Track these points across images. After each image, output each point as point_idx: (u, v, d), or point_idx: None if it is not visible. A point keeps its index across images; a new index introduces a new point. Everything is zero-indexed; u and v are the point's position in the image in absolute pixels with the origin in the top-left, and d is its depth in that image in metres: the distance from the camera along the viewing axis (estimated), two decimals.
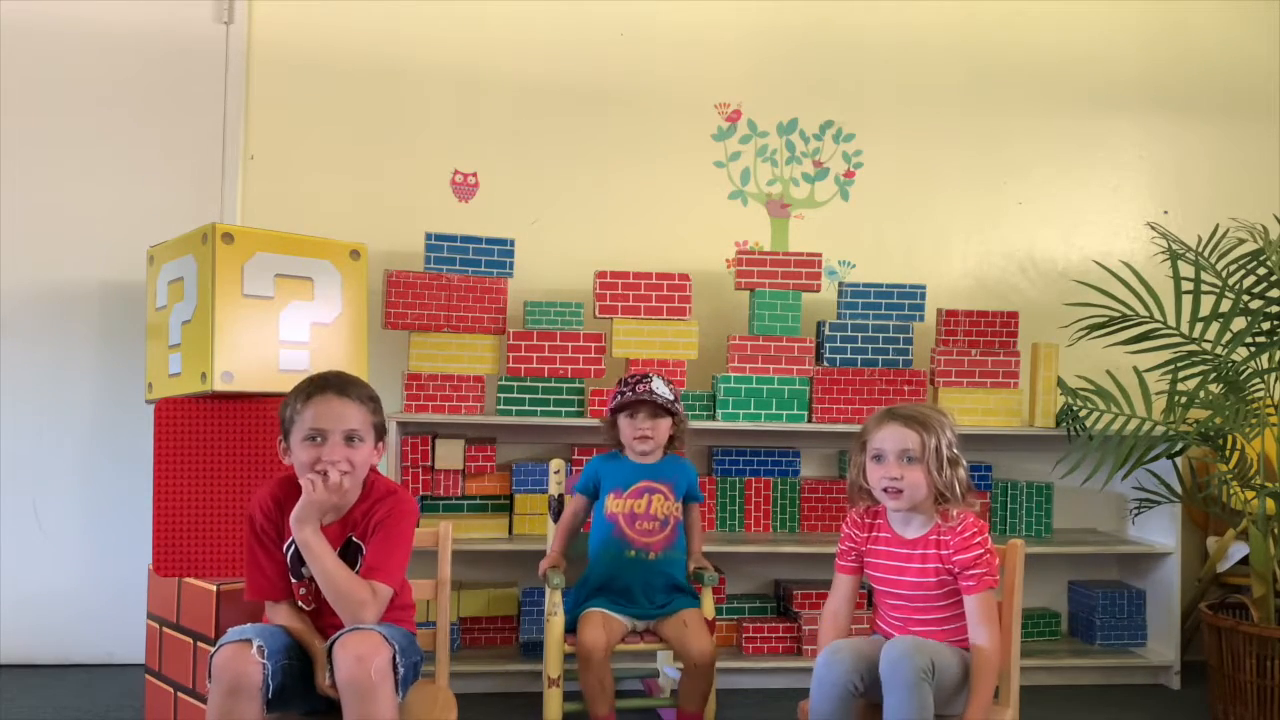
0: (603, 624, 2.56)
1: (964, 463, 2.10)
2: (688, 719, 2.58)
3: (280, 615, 2.02)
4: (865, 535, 2.16)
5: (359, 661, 1.79)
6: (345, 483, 1.95)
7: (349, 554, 2.01)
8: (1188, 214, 3.69)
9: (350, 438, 1.96)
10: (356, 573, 1.98)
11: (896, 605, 2.11)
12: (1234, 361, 2.98)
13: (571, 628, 2.63)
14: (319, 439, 1.94)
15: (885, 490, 2.07)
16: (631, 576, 2.66)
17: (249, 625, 1.90)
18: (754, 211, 3.56)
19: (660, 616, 2.65)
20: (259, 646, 1.81)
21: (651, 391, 2.64)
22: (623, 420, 2.69)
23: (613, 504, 2.70)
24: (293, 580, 2.03)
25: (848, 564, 2.18)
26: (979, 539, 2.05)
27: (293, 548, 2.01)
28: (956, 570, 2.04)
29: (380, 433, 2.04)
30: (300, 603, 2.03)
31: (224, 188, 3.29)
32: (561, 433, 3.33)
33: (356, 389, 2.01)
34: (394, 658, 1.84)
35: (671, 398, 2.68)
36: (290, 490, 2.01)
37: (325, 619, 2.00)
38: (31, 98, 3.22)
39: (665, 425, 2.69)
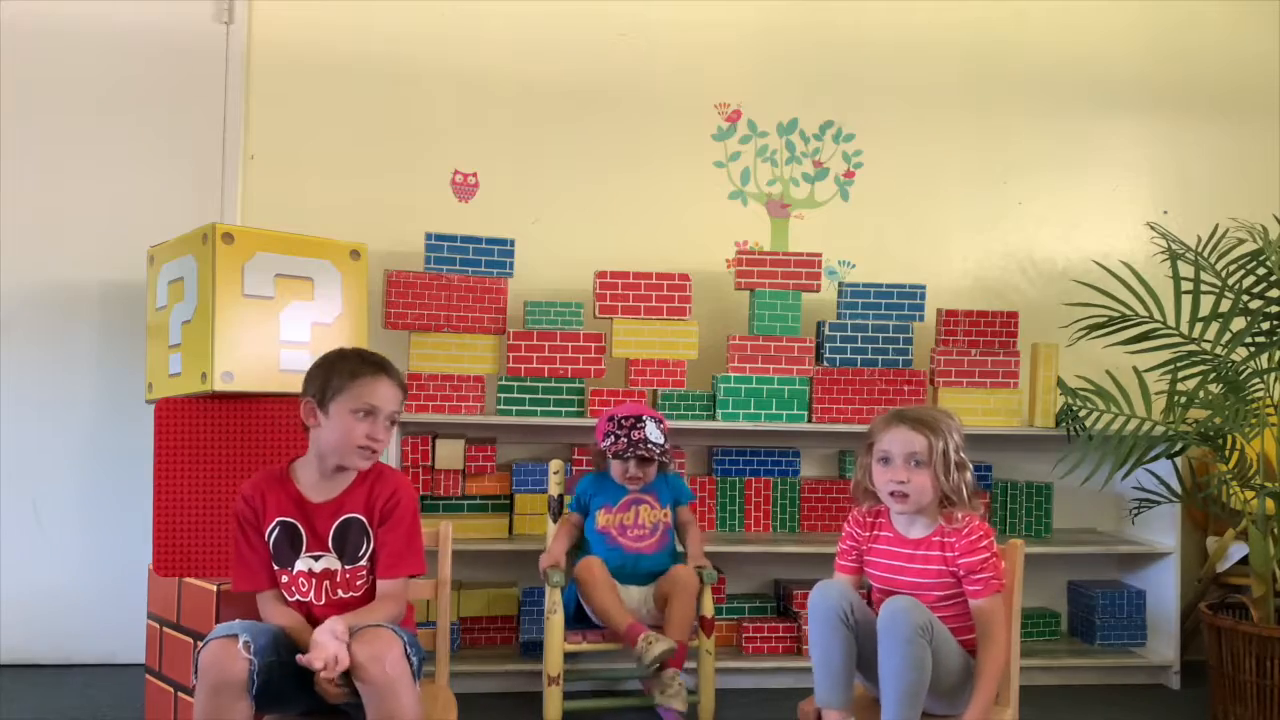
0: (598, 561, 2.69)
1: (970, 466, 2.10)
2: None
3: (270, 608, 2.03)
4: (867, 534, 2.16)
5: (374, 660, 1.81)
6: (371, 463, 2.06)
7: (350, 532, 2.03)
8: (1188, 214, 3.68)
9: (392, 419, 2.07)
10: (361, 555, 2.03)
11: None
12: (1234, 361, 2.98)
13: (571, 624, 2.65)
14: (373, 415, 2.02)
15: (892, 494, 2.07)
16: (623, 566, 2.78)
17: (236, 621, 1.90)
18: (754, 211, 3.56)
19: (653, 582, 2.76)
20: (245, 642, 1.81)
21: (644, 442, 2.75)
22: (615, 462, 2.81)
23: (604, 519, 2.81)
24: (277, 568, 2.04)
25: (847, 563, 2.19)
26: (985, 542, 2.05)
27: (274, 536, 2.03)
28: (962, 573, 2.04)
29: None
30: (290, 593, 2.04)
31: (224, 188, 3.29)
32: (561, 433, 3.33)
33: (399, 375, 2.11)
34: (405, 650, 1.86)
35: (663, 444, 2.80)
36: (272, 480, 2.06)
37: (320, 615, 2.01)
38: (31, 98, 3.22)
39: (654, 468, 2.83)
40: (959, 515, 2.07)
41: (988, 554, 2.04)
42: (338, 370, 2.03)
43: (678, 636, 2.59)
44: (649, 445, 2.75)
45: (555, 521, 2.87)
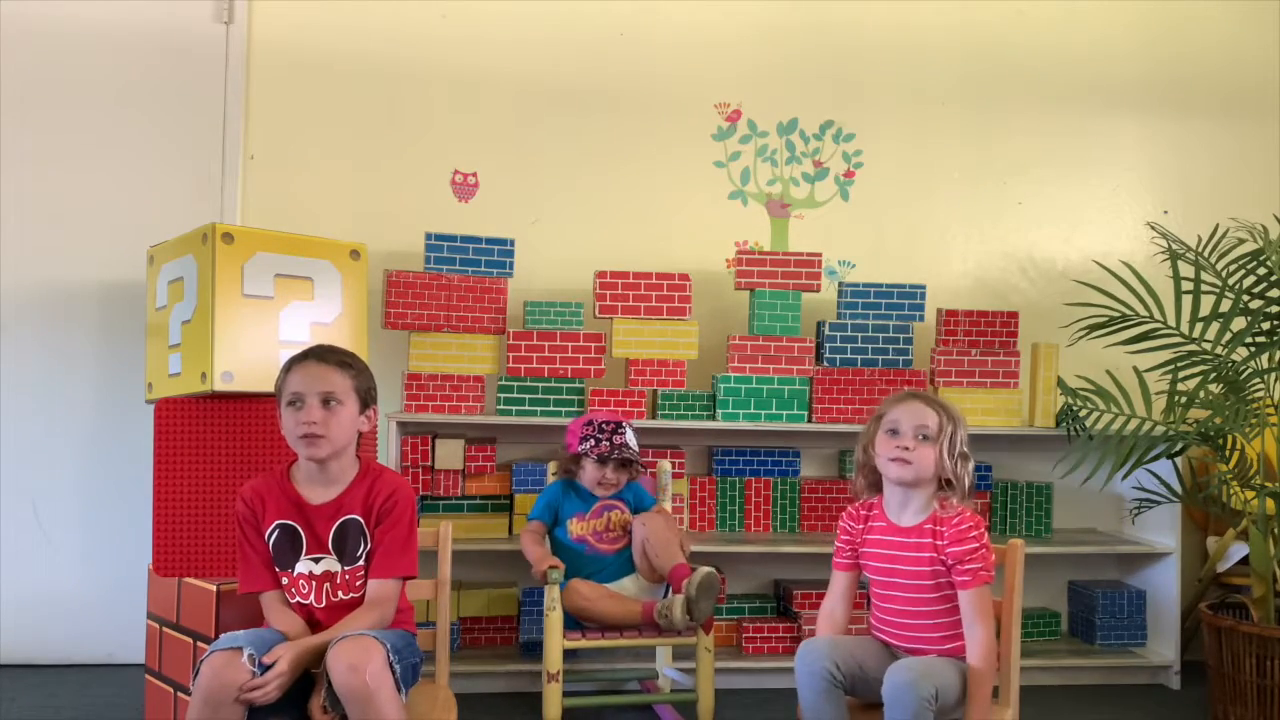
0: (586, 583, 2.68)
1: (973, 461, 2.10)
2: (677, 569, 2.61)
3: (273, 610, 2.03)
4: (861, 526, 2.16)
5: (353, 670, 1.79)
6: (321, 450, 2.00)
7: (349, 534, 2.03)
8: (1188, 214, 3.69)
9: (327, 400, 2.00)
10: (359, 555, 2.02)
11: (892, 597, 2.10)
12: (1234, 361, 2.98)
13: (572, 624, 2.66)
14: (298, 403, 1.99)
15: (893, 459, 2.07)
16: (612, 568, 2.78)
17: (241, 632, 1.90)
18: (754, 211, 3.56)
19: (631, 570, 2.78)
20: (250, 655, 1.81)
21: (626, 446, 2.77)
22: (590, 465, 2.79)
23: (578, 527, 2.79)
24: (277, 570, 2.04)
25: (844, 560, 2.19)
26: (975, 533, 2.04)
27: (273, 539, 2.03)
28: (950, 563, 2.03)
29: (367, 399, 2.08)
30: (291, 595, 2.04)
31: (224, 188, 3.29)
32: (561, 433, 3.31)
33: (337, 355, 2.06)
34: (388, 658, 1.84)
35: (637, 449, 2.82)
36: (272, 483, 2.07)
37: (321, 617, 2.02)
38: (31, 98, 3.22)
39: (626, 475, 2.83)
40: (953, 502, 2.07)
41: (977, 545, 2.03)
42: (283, 369, 2.06)
43: (674, 560, 2.62)
44: (629, 449, 2.77)
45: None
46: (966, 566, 2.02)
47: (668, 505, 2.97)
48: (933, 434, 2.06)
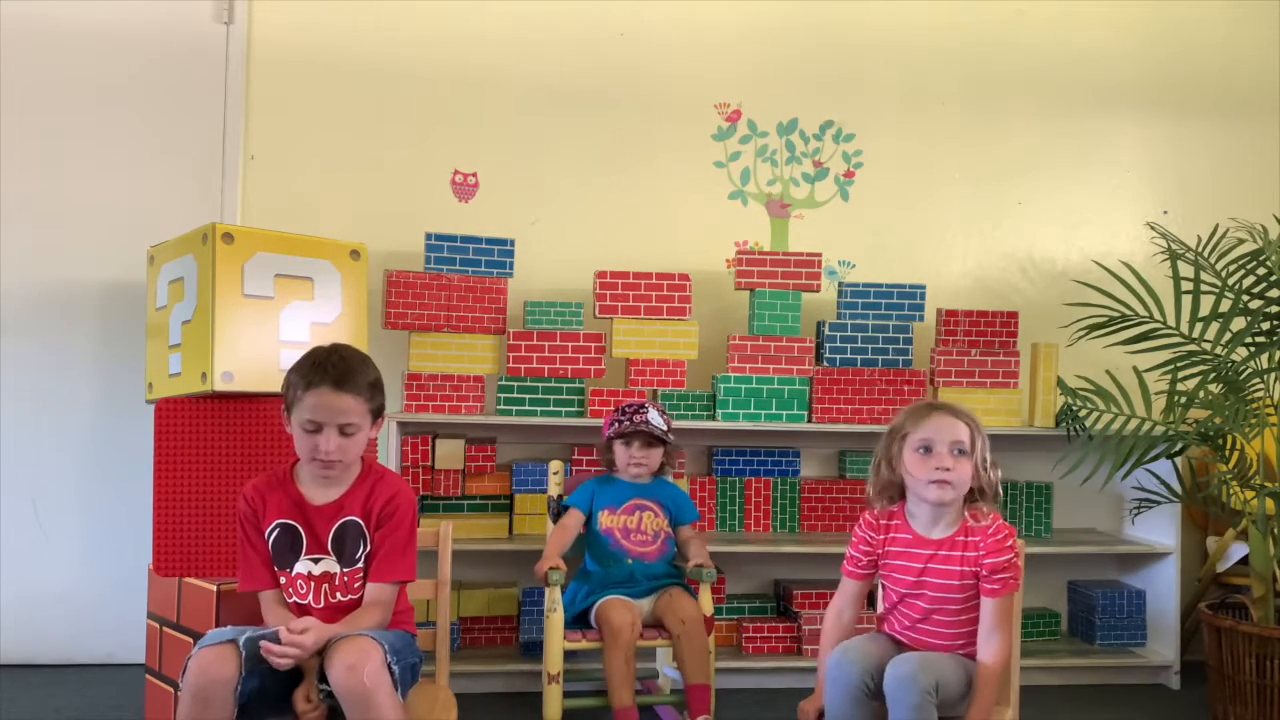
0: (626, 607, 2.64)
1: (999, 468, 2.08)
2: (695, 690, 2.58)
3: (273, 610, 2.03)
4: (882, 537, 2.11)
5: (351, 670, 1.79)
6: (335, 471, 2.01)
7: (349, 535, 2.03)
8: (1188, 214, 3.69)
9: (344, 429, 1.99)
10: (358, 557, 2.03)
11: (916, 607, 2.08)
12: (1234, 361, 2.98)
13: (572, 624, 2.66)
14: (315, 430, 1.98)
15: (934, 483, 2.01)
16: (632, 574, 2.77)
17: (229, 628, 1.90)
18: (754, 211, 3.56)
19: (655, 592, 2.76)
20: (240, 650, 1.81)
21: (647, 422, 2.78)
22: (619, 447, 2.82)
23: (607, 519, 2.81)
24: (276, 570, 2.04)
25: (859, 570, 2.14)
26: (1010, 542, 2.02)
27: (273, 538, 2.03)
28: (985, 572, 2.01)
29: (378, 414, 2.07)
30: (289, 595, 2.04)
31: (224, 188, 3.29)
32: (561, 433, 3.33)
33: (354, 381, 2.00)
34: (386, 658, 1.84)
35: (665, 428, 2.82)
36: (274, 483, 2.06)
37: (319, 618, 2.01)
38: (32, 98, 3.22)
39: (658, 454, 2.84)
40: (984, 511, 2.04)
41: (1012, 554, 2.02)
42: (295, 380, 2.00)
43: (700, 680, 2.58)
44: (651, 424, 2.77)
45: (555, 522, 2.86)
46: (1000, 576, 2.00)
47: None
48: (968, 448, 2.02)
